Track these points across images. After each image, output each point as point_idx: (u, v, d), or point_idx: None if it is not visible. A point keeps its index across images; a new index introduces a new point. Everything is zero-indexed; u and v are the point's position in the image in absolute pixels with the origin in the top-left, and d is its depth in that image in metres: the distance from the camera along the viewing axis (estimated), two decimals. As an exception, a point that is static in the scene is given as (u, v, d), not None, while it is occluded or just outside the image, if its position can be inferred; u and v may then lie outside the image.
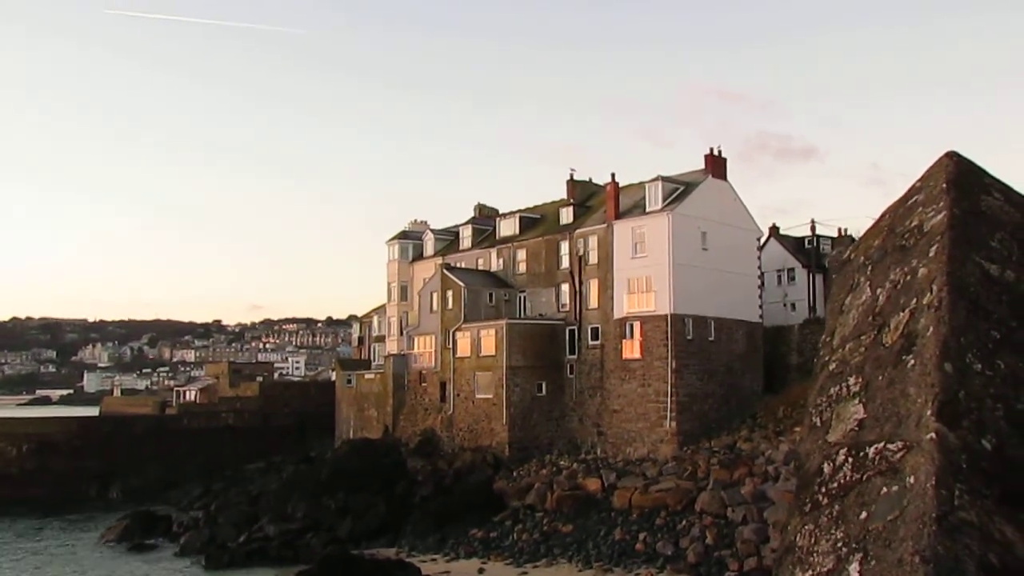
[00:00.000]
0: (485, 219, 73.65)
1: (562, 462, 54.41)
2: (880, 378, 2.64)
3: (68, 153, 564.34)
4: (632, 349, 54.53)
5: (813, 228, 71.89)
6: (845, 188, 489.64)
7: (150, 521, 55.14)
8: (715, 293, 54.21)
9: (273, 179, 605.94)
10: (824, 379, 2.98)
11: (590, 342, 58.20)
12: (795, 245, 71.92)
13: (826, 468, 2.56)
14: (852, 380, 2.78)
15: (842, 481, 2.45)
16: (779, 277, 69.32)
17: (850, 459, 2.48)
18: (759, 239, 61.03)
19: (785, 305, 66.52)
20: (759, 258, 59.87)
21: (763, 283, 60.82)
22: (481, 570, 41.21)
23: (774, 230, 72.45)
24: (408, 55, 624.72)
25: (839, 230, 70.59)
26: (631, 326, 54.70)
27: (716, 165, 57.83)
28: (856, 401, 2.67)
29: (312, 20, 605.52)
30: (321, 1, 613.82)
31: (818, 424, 2.78)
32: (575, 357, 58.94)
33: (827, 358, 3.09)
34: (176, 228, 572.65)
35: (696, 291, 53.39)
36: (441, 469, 57.00)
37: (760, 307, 58.95)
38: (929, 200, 3.16)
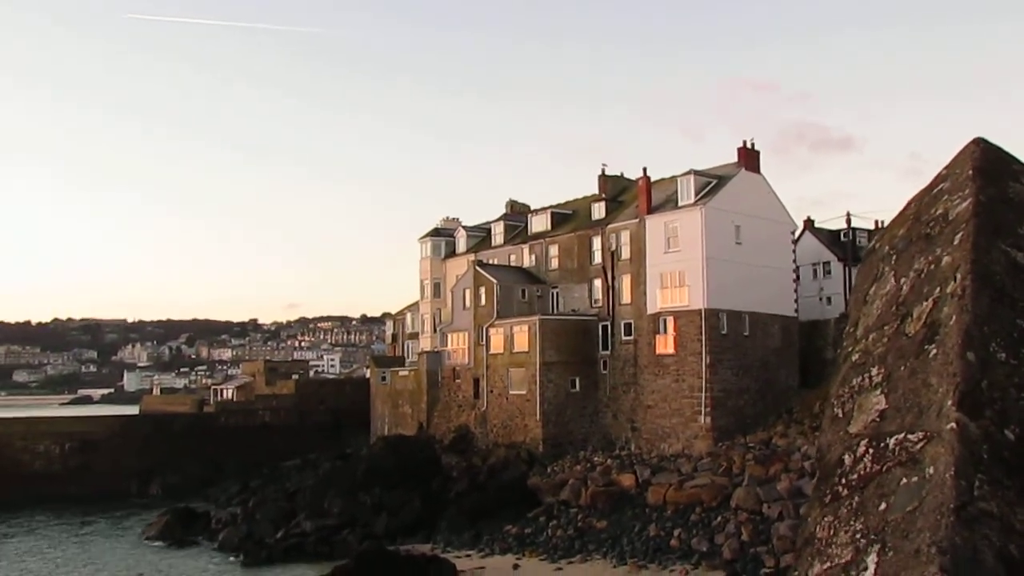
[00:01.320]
0: (517, 215, 73.65)
1: (596, 458, 54.31)
2: (902, 368, 2.60)
3: (109, 155, 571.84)
4: (666, 344, 54.28)
5: (849, 220, 71.14)
6: (883, 179, 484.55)
7: (189, 518, 55.75)
8: (749, 287, 53.81)
9: (308, 179, 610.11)
10: (847, 370, 2.94)
11: (623, 337, 58.02)
12: (830, 238, 71.17)
13: (847, 459, 2.53)
14: (875, 371, 2.74)
15: (862, 472, 2.42)
16: (814, 271, 68.67)
17: (871, 450, 2.45)
18: (794, 232, 60.51)
19: (821, 299, 65.87)
20: (794, 251, 59.37)
21: (798, 277, 60.28)
22: (516, 566, 41.25)
23: (809, 223, 71.72)
24: (440, 53, 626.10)
25: (876, 222, 69.65)
26: (664, 321, 54.46)
27: (749, 158, 57.39)
28: (878, 392, 2.63)
29: (343, 20, 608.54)
30: (353, 2, 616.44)
31: (840, 415, 2.75)
32: (608, 353, 58.79)
33: (850, 349, 3.05)
34: (213, 229, 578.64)
35: (730, 285, 53.03)
36: (475, 465, 57.13)
37: (795, 301, 58.43)
38: (955, 188, 3.11)
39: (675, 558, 39.87)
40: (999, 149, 3.22)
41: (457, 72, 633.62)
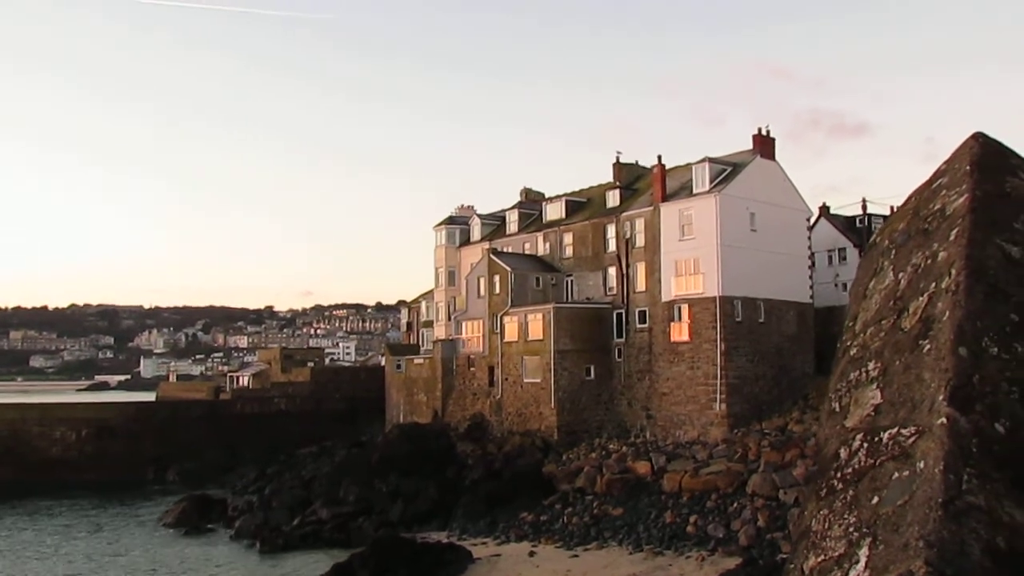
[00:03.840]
0: (531, 203, 73.61)
1: (611, 445, 54.41)
2: (897, 363, 2.64)
3: (128, 141, 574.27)
4: (680, 332, 54.25)
5: (864, 207, 70.82)
6: (899, 164, 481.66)
7: (206, 505, 56.13)
8: (764, 274, 53.69)
9: (325, 167, 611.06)
10: (845, 364, 2.99)
11: (638, 325, 58.00)
12: (846, 224, 70.88)
13: (843, 453, 2.58)
14: (871, 365, 2.79)
15: (857, 466, 2.47)
16: (830, 257, 68.45)
17: (865, 444, 2.49)
18: (809, 219, 60.26)
19: (836, 285, 65.62)
20: (809, 238, 59.14)
21: (814, 263, 60.08)
22: (532, 553, 41.40)
23: (824, 209, 71.43)
24: (457, 41, 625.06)
25: (891, 208, 69.29)
26: (679, 309, 54.41)
27: (764, 145, 57.16)
28: (874, 386, 2.68)
29: (360, 6, 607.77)
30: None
31: (837, 409, 2.80)
32: (623, 340, 58.79)
33: (849, 343, 3.09)
34: (230, 216, 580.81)
35: (745, 273, 52.92)
36: (491, 453, 57.30)
37: (811, 288, 58.27)
38: (953, 183, 3.14)
39: (691, 545, 39.93)
40: (998, 144, 3.24)
41: (474, 60, 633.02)
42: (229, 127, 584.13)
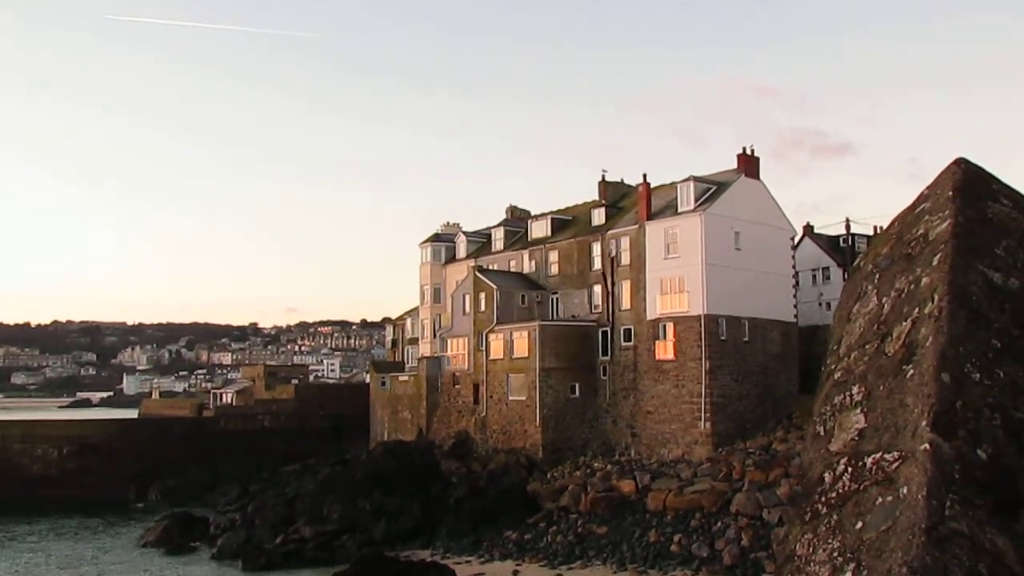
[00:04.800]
0: (517, 221, 73.75)
1: (596, 464, 54.35)
2: (881, 388, 2.66)
3: (109, 157, 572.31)
4: (665, 350, 54.34)
5: (848, 226, 71.25)
6: (882, 185, 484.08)
7: (188, 523, 55.73)
8: (749, 293, 53.89)
9: (309, 183, 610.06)
10: (829, 388, 3.00)
11: (623, 343, 58.08)
12: (830, 244, 71.30)
13: (827, 477, 2.59)
14: (855, 389, 2.80)
15: (841, 491, 2.48)
16: (814, 276, 68.77)
17: (849, 468, 2.50)
18: (793, 238, 60.60)
19: (820, 304, 65.91)
20: (793, 257, 59.45)
21: (798, 282, 60.38)
22: (516, 572, 41.26)
23: (808, 229, 71.86)
24: (440, 56, 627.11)
25: (875, 228, 69.83)
26: (664, 327, 54.51)
27: (749, 164, 57.50)
28: (858, 410, 2.69)
29: (341, 22, 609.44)
30: (353, 4, 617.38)
31: (821, 433, 2.81)
32: (608, 358, 58.84)
33: (833, 367, 3.11)
34: (214, 232, 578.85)
35: (730, 291, 53.10)
36: (475, 471, 57.14)
37: (795, 307, 58.52)
38: (935, 208, 3.17)
39: (675, 564, 39.90)
40: (980, 169, 3.28)
41: (459, 77, 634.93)
42: (215, 143, 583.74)
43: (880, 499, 2.28)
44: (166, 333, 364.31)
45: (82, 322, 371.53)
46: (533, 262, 66.43)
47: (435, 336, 72.04)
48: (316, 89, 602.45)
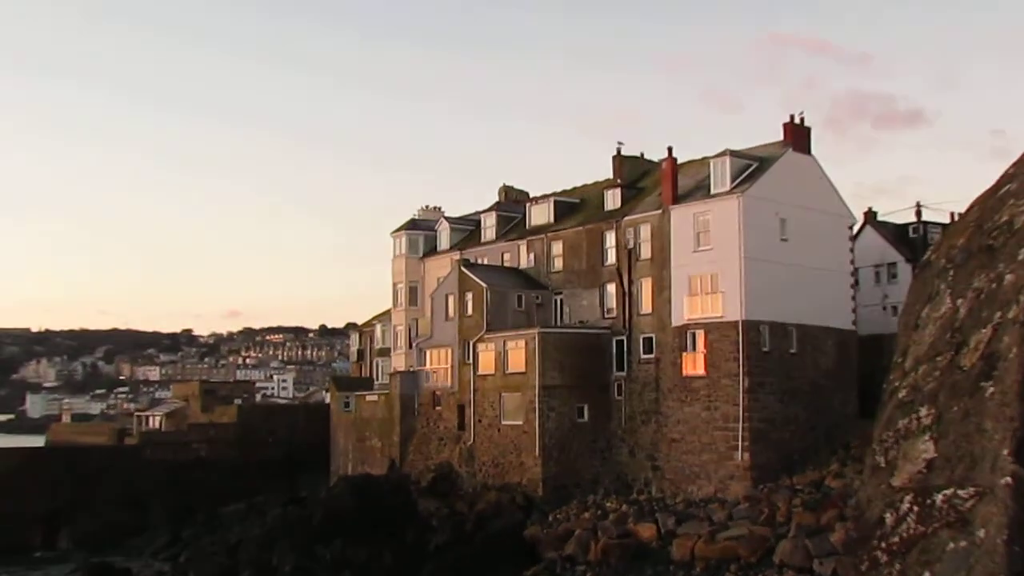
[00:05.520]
0: (512, 205, 73.77)
1: (609, 504, 54.41)
2: (955, 409, 2.68)
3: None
4: (694, 364, 54.38)
5: (919, 213, 71.41)
6: (961, 162, 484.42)
7: (106, 575, 55.66)
8: (797, 294, 53.93)
9: (250, 151, 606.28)
10: (892, 409, 3.02)
11: (642, 356, 58.12)
12: (897, 234, 71.43)
13: (888, 519, 2.61)
14: (924, 411, 2.82)
15: (905, 534, 2.50)
16: (877, 274, 68.91)
17: (915, 508, 2.52)
18: (852, 227, 60.69)
19: (884, 308, 66.05)
20: (852, 251, 59.54)
21: (857, 281, 60.50)
22: (509, 636, 41.31)
23: (870, 216, 72.01)
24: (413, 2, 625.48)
25: (951, 215, 69.91)
26: (693, 336, 54.56)
27: (797, 136, 57.57)
28: (926, 437, 2.71)
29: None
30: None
31: (882, 464, 2.83)
32: (624, 374, 58.88)
33: (897, 383, 3.12)
34: (136, 216, 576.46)
35: (773, 292, 53.14)
36: (460, 512, 57.15)
37: (853, 311, 58.62)
38: (1023, 190, 3.19)
39: (705, 627, 39.93)
40: (1077, 143, 3.30)
41: (441, 29, 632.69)
42: (136, 108, 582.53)
43: (952, 544, 2.30)
44: (79, 342, 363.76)
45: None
46: (532, 255, 66.45)
47: (411, 346, 72.03)
48: (259, 35, 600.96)
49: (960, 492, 2.36)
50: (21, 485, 71.14)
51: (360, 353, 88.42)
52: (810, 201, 56.19)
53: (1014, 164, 3.39)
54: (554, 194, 69.69)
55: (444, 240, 74.76)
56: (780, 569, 42.75)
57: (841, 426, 54.99)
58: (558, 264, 64.67)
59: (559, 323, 62.77)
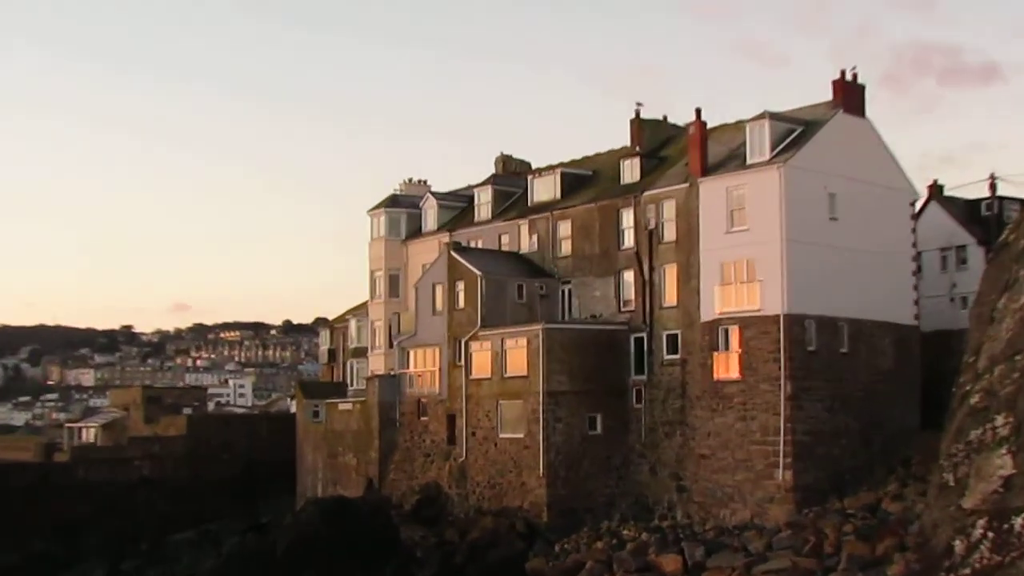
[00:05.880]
0: (511, 177, 73.73)
1: (626, 531, 54.52)
2: (1038, 417, 2.69)
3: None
4: (727, 366, 54.40)
5: (993, 186, 71.28)
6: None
7: (32, 616, 55.85)
8: (849, 283, 53.95)
9: (204, 116, 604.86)
10: (963, 418, 3.03)
11: (666, 356, 58.14)
12: (967, 211, 71.38)
13: (958, 546, 2.62)
14: (1000, 420, 2.83)
15: (978, 565, 2.51)
16: (944, 259, 68.87)
17: (990, 533, 2.53)
18: (914, 203, 60.69)
19: (953, 300, 66.08)
20: (914, 231, 59.53)
21: (920, 268, 60.49)
22: None
23: (936, 190, 71.94)
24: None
25: (1033, 190, 69.99)
26: (726, 332, 54.58)
27: (850, 95, 57.51)
28: (1003, 450, 2.72)
29: None
30: None
31: (951, 483, 2.84)
32: (644, 378, 58.91)
33: (968, 387, 3.14)
34: (65, 198, 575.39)
35: (821, 281, 53.15)
36: (450, 541, 57.28)
37: (916, 303, 58.63)
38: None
39: (739, 677, 40.05)
40: None
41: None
42: (76, 69, 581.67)
43: (1034, 577, 2.31)
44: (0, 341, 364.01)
45: None
46: (535, 237, 66.42)
47: (392, 345, 72.00)
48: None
49: (1043, 515, 2.37)
50: (-69, 510, 71.24)
51: (331, 354, 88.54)
52: (864, 173, 56.15)
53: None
54: (561, 165, 69.62)
55: (431, 220, 74.68)
56: (829, 608, 42.88)
57: (900, 439, 55.07)
58: (565, 248, 64.62)
59: (567, 318, 62.79)
